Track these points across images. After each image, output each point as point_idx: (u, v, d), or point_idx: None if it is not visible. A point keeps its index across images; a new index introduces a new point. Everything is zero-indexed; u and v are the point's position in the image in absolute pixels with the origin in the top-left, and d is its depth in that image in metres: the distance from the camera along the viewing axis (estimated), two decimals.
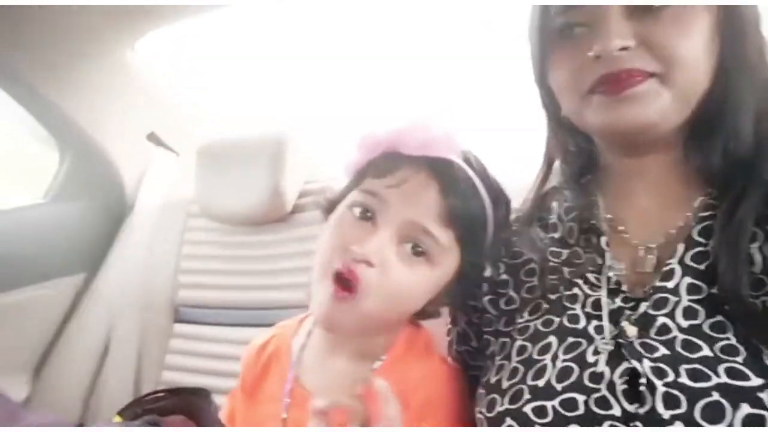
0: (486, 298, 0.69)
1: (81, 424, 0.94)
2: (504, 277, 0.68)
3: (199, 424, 1.00)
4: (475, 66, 1.31)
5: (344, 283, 0.62)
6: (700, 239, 0.56)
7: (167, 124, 1.45)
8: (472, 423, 0.63)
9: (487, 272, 0.69)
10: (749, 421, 0.46)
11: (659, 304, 0.55)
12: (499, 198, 0.68)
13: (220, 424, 0.98)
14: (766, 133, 0.56)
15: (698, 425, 0.47)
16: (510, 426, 0.56)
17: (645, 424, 0.50)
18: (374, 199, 0.64)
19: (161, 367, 1.21)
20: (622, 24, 0.54)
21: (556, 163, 0.70)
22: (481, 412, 0.60)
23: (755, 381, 0.48)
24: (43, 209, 1.35)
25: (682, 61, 0.54)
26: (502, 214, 0.69)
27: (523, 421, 0.55)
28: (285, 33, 1.53)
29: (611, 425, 0.51)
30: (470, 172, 0.66)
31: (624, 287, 0.58)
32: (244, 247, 1.21)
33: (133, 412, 1.00)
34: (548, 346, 0.58)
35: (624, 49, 0.54)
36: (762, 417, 0.46)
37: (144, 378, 1.20)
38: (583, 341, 0.57)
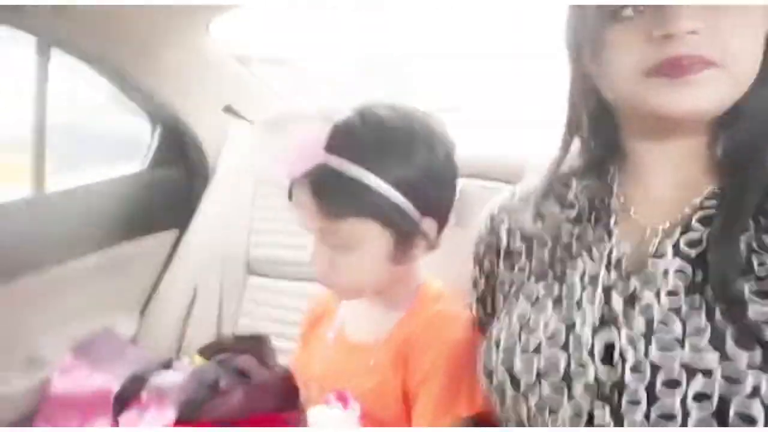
0: (502, 264, 0.74)
1: (170, 360, 1.14)
2: (518, 244, 0.72)
3: (262, 362, 1.18)
4: None
5: None
6: (698, 225, 0.58)
7: (242, 98, 1.57)
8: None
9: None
10: (698, 397, 0.51)
11: (647, 283, 0.58)
12: (392, 155, 0.74)
13: (277, 364, 1.15)
14: None
15: (657, 397, 0.53)
16: (501, 378, 0.63)
17: (611, 391, 0.55)
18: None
19: (238, 313, 1.41)
20: (692, 6, 0.53)
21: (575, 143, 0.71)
22: (482, 365, 0.68)
23: (713, 362, 0.52)
24: (142, 176, 1.54)
25: (741, 54, 0.54)
26: (427, 160, 0.76)
27: (511, 375, 0.62)
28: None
29: (585, 389, 0.57)
30: (335, 161, 0.73)
31: (623, 265, 0.61)
32: None
33: (211, 350, 1.20)
34: (545, 309, 0.64)
35: (693, 32, 0.53)
36: (711, 393, 0.51)
37: (224, 322, 1.40)
38: (575, 310, 0.61)
